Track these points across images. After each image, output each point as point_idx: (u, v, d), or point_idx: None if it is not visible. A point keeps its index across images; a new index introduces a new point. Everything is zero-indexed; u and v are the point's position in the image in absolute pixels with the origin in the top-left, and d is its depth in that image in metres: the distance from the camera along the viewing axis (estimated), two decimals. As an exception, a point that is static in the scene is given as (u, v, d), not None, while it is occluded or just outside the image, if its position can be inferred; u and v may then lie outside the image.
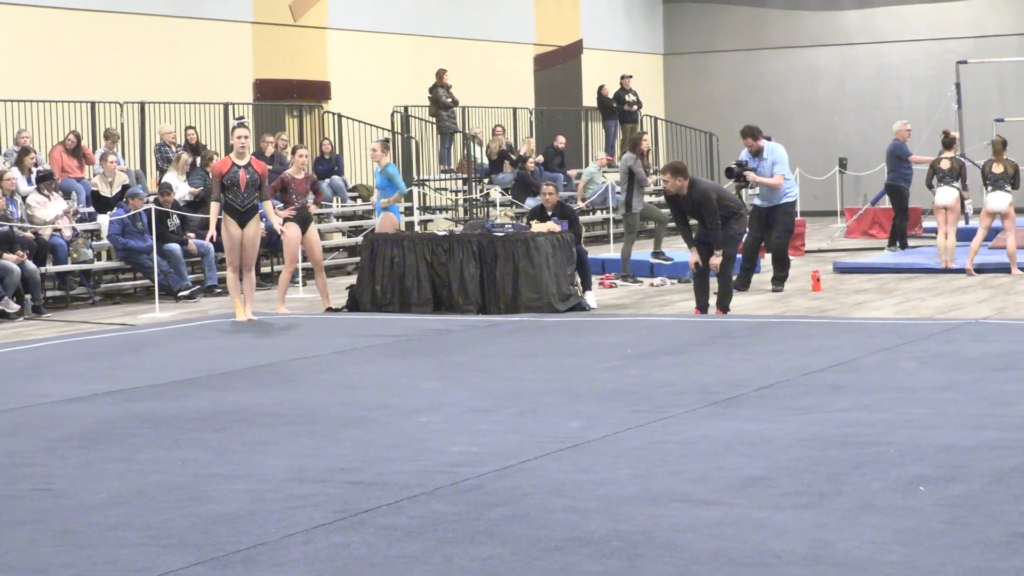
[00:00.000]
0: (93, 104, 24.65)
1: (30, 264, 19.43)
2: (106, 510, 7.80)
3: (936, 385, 11.34)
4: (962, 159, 22.30)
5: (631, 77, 35.73)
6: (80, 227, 21.33)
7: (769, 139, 20.70)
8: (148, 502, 7.98)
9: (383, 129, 29.15)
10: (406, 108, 29.83)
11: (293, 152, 19.88)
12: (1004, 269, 21.06)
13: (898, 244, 25.75)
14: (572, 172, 32.87)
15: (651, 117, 37.49)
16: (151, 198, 21.41)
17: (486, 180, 30.10)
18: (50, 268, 20.38)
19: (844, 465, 8.41)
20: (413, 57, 31.52)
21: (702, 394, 11.14)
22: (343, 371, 13.35)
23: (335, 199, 27.17)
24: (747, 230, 18.38)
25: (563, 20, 36.74)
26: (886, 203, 27.66)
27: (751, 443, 9.17)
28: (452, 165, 30.83)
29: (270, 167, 24.90)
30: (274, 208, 18.35)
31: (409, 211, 27.82)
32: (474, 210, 29.03)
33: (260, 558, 6.75)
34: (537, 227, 18.60)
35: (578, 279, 18.51)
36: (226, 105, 26.74)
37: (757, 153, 20.06)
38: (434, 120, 30.40)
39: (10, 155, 21.92)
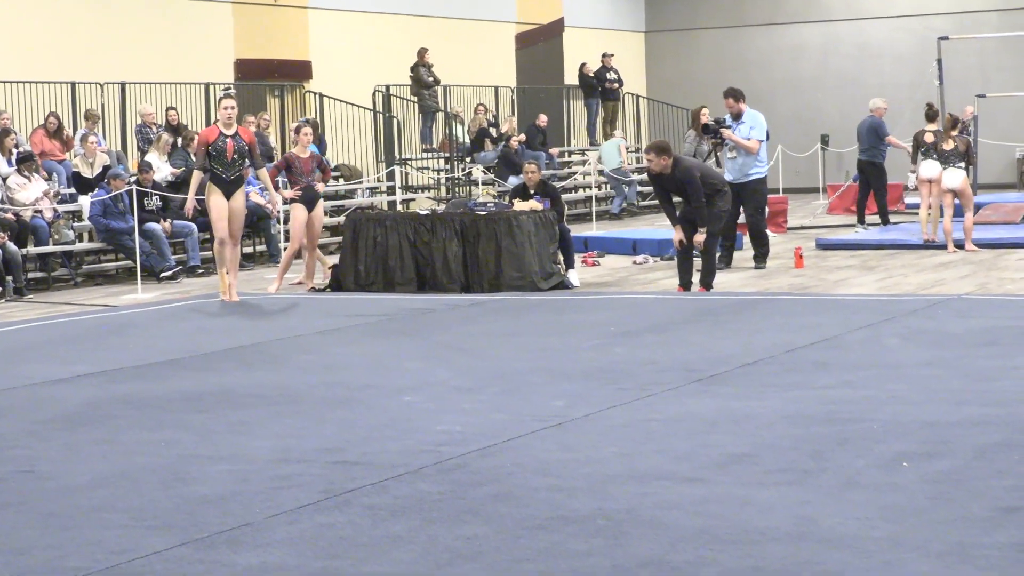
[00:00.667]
0: (73, 85, 24.54)
1: (11, 246, 19.37)
2: (89, 492, 7.80)
3: (919, 361, 11.35)
4: (968, 138, 22.28)
5: (613, 55, 35.73)
6: (61, 208, 21.24)
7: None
8: (132, 484, 7.97)
9: (366, 108, 29.13)
10: (388, 87, 29.83)
11: (297, 131, 19.52)
12: (987, 245, 21.10)
13: (880, 220, 25.75)
14: (554, 150, 32.87)
15: (633, 95, 37.50)
16: (132, 178, 21.35)
17: (468, 159, 30.09)
18: (31, 250, 20.32)
19: (828, 442, 8.42)
20: (394, 36, 31.45)
21: (686, 372, 11.15)
22: (327, 351, 13.33)
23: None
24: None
25: (545, -2, 36.71)
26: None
27: (735, 420, 9.18)
28: (434, 144, 30.80)
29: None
30: (279, 187, 18.43)
31: (392, 190, 27.86)
32: (456, 189, 29.01)
33: (244, 539, 6.75)
34: (519, 205, 18.60)
35: (561, 257, 18.53)
36: (207, 85, 26.64)
37: (737, 116, 20.12)
38: (416, 99, 30.38)
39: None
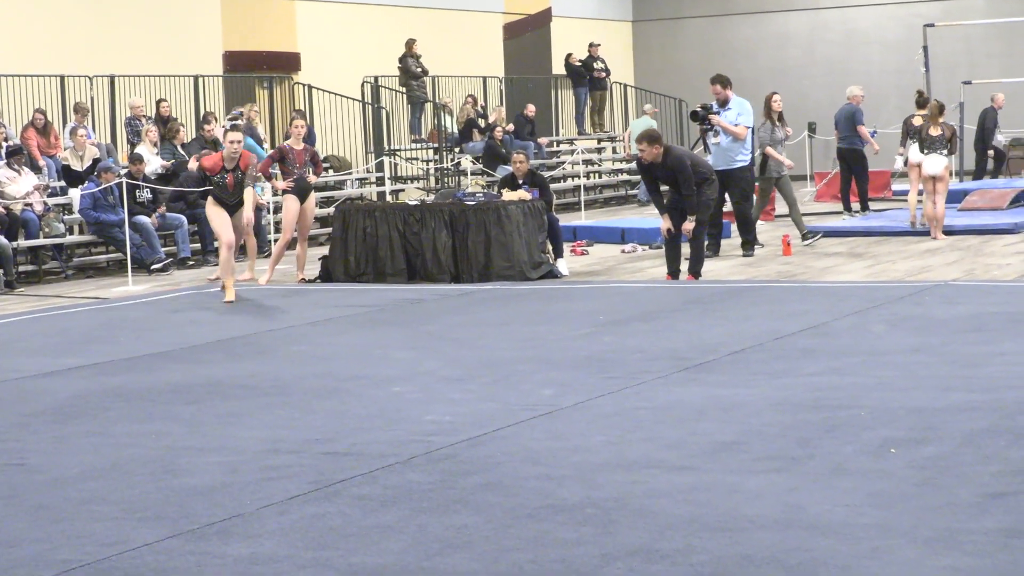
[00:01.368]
0: (62, 78, 24.49)
1: (2, 239, 19.34)
2: (80, 484, 7.79)
3: (906, 348, 11.37)
4: (953, 125, 22.30)
5: (600, 45, 35.74)
6: (51, 201, 21.23)
7: None
8: (122, 476, 7.97)
9: (354, 100, 29.11)
10: (376, 78, 29.76)
11: (291, 123, 19.48)
12: (973, 231, 21.13)
13: (859, 207, 25.76)
14: (543, 140, 32.87)
15: (620, 84, 37.47)
16: (123, 170, 21.33)
17: (457, 149, 30.08)
18: (22, 243, 20.29)
19: (816, 429, 8.44)
20: (382, 27, 31.44)
21: (674, 360, 11.16)
22: (317, 342, 13.33)
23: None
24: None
25: (532, -13, 36.69)
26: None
27: (724, 408, 9.19)
28: (423, 135, 30.79)
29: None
30: (273, 179, 18.59)
31: (381, 181, 27.83)
32: (445, 179, 29.01)
33: (235, 530, 6.75)
34: (508, 195, 18.58)
35: (550, 247, 18.53)
36: (196, 77, 26.61)
37: (724, 103, 20.11)
38: (404, 90, 30.35)
39: (-20, 131, 21.82)
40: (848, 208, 25.94)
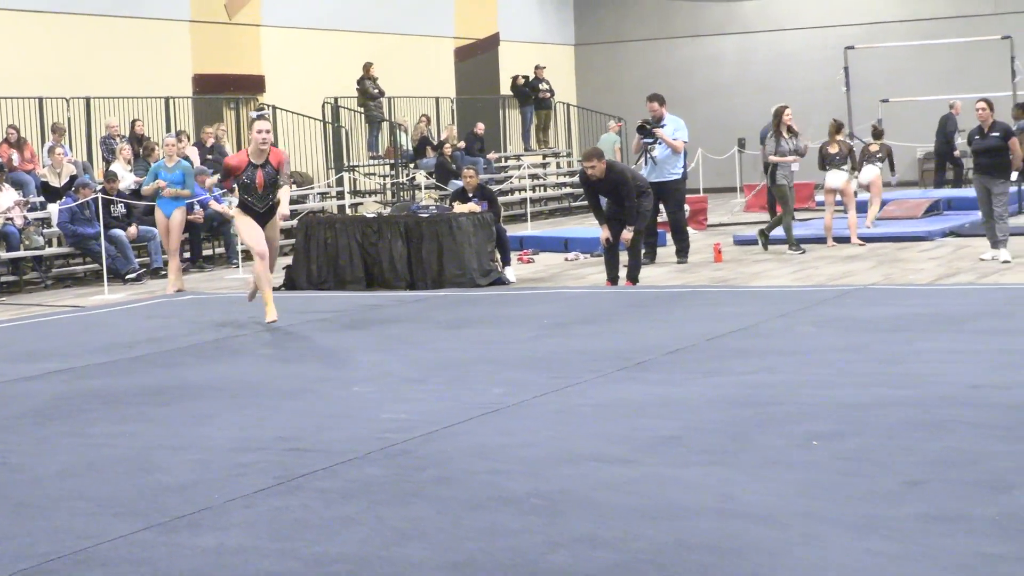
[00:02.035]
0: (40, 100, 24.42)
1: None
2: (59, 482, 7.74)
3: (831, 347, 11.40)
4: (850, 142, 22.39)
5: (545, 67, 35.85)
6: (31, 216, 21.16)
7: None
8: (98, 474, 7.92)
9: (316, 119, 29.08)
10: (336, 99, 29.76)
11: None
12: (890, 239, 21.24)
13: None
14: (492, 155, 32.91)
15: (564, 103, 37.56)
16: (99, 186, 21.27)
17: (411, 165, 30.08)
18: (3, 255, 20.25)
19: (748, 424, 8.45)
20: (342, 51, 31.39)
21: (615, 360, 11.16)
22: (283, 346, 13.30)
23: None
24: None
25: (481, 14, 36.69)
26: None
27: (662, 405, 9.20)
28: (380, 152, 30.77)
29: (210, 156, 24.83)
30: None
31: (341, 195, 27.80)
32: (401, 193, 29.00)
33: (204, 522, 6.72)
34: (459, 208, 18.62)
35: (498, 255, 18.54)
36: (167, 99, 26.57)
37: (659, 120, 20.18)
38: (362, 110, 30.34)
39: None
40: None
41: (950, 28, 35.58)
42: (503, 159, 34.83)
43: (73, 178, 22.21)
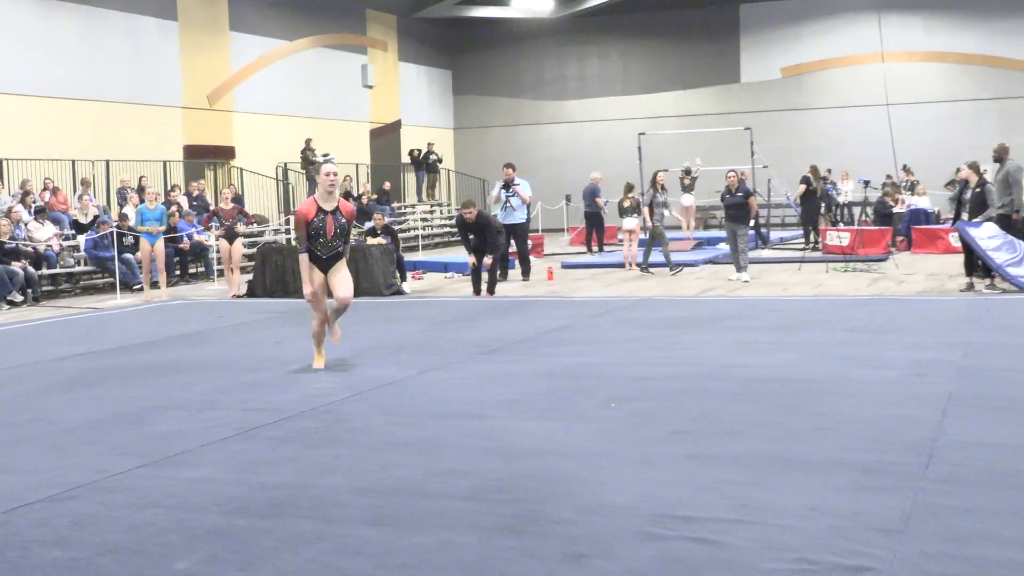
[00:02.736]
0: (73, 161, 23.95)
1: (30, 269, 18.89)
2: (82, 432, 7.60)
3: (626, 338, 11.52)
4: (638, 198, 22.61)
5: (433, 143, 35.85)
6: (65, 244, 20.76)
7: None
8: (110, 425, 7.79)
9: (271, 178, 28.82)
10: (286, 164, 29.53)
11: (219, 193, 19.29)
12: (662, 265, 21.53)
13: (598, 249, 26.15)
14: (395, 205, 32.80)
15: (447, 169, 37.60)
16: (115, 223, 20.91)
17: (338, 210, 29.88)
18: (44, 271, 19.79)
19: (566, 391, 8.51)
20: (290, 130, 31.13)
21: (477, 347, 11.19)
22: (245, 335, 13.14)
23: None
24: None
25: (388, 106, 36.58)
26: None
27: (507, 377, 9.23)
28: (316, 201, 30.51)
29: (195, 203, 24.48)
30: (212, 228, 18.14)
31: (288, 232, 27.53)
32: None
33: (185, 461, 6.63)
34: (371, 241, 18.62)
35: (398, 274, 18.50)
36: (164, 162, 26.18)
37: (510, 181, 20.47)
38: (304, 172, 30.10)
39: (17, 196, 21.24)
40: (590, 250, 26.29)
41: (708, 121, 36.13)
42: (403, 208, 34.73)
43: (96, 217, 21.84)
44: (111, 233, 20.16)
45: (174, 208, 22.49)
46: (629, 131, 36.38)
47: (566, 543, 4.87)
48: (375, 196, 31.17)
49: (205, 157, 28.65)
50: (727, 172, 19.14)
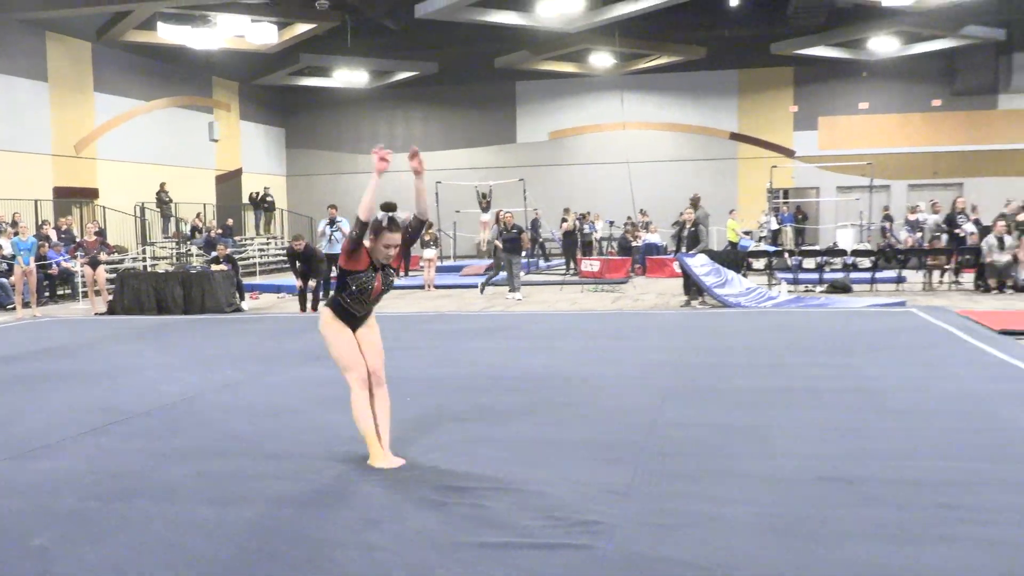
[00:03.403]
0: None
1: None
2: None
3: (424, 346, 11.46)
4: (436, 234, 22.63)
5: (269, 187, 35.10)
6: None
7: None
8: (-21, 426, 7.33)
9: (130, 215, 27.64)
10: (143, 203, 28.35)
11: (84, 227, 18.30)
12: (460, 287, 21.57)
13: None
14: (237, 237, 31.92)
15: (281, 209, 36.79)
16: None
17: (188, 242, 28.89)
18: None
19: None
20: (147, 175, 29.90)
21: (301, 355, 10.94)
22: (105, 348, 12.51)
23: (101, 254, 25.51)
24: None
25: (231, 155, 35.58)
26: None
27: (324, 380, 9.07)
28: (169, 234, 29.43)
29: (63, 236, 23.21)
30: (77, 257, 17.20)
31: (145, 259, 26.47)
32: (181, 259, 27.78)
33: (45, 454, 6.30)
34: (215, 267, 18.05)
35: (237, 295, 18.01)
36: (35, 201, 24.76)
37: (333, 219, 20.07)
38: (159, 210, 29.01)
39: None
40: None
41: (491, 173, 36.51)
42: (243, 240, 33.83)
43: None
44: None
45: (44, 242, 21.29)
46: (429, 180, 36.36)
47: (362, 509, 4.85)
48: (220, 231, 30.28)
49: (72, 197, 27.22)
50: (504, 213, 19.38)
